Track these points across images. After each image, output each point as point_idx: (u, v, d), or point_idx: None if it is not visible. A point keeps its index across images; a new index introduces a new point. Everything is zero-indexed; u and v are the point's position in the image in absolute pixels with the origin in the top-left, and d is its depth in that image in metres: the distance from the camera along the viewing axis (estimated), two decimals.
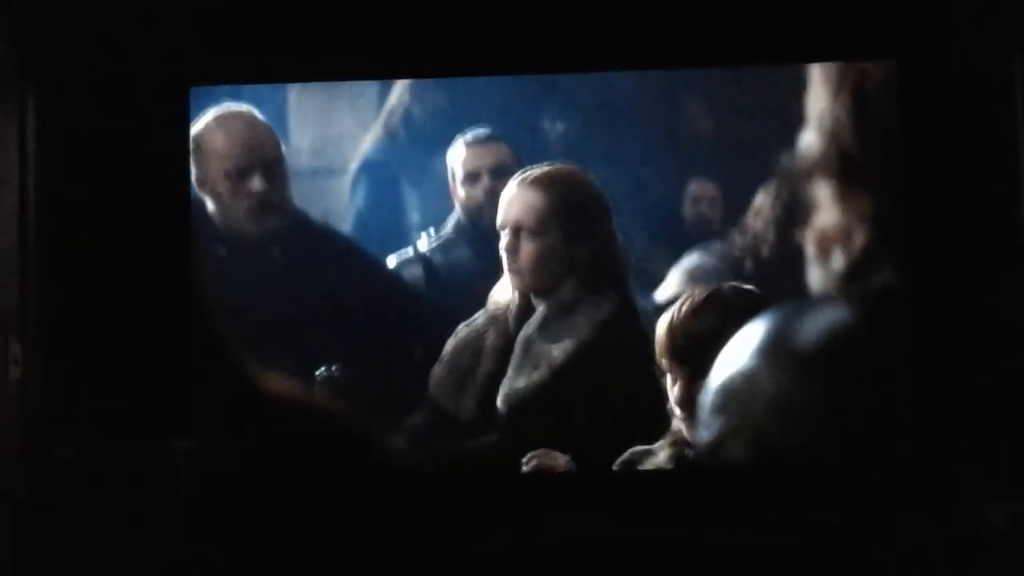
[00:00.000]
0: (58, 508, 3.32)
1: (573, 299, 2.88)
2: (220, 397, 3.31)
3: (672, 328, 2.98)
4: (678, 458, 3.05)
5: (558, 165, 2.94)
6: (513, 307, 2.89)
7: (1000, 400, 3.42)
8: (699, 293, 3.01)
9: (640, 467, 3.15)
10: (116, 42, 3.52)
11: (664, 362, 3.02)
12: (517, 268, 2.79)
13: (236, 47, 3.46)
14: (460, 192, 2.92)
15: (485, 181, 2.92)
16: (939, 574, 3.26)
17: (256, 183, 2.96)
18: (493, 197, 2.89)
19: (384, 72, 3.50)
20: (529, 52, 3.40)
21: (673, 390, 3.05)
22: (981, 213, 3.50)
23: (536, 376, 2.89)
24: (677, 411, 3.07)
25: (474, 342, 2.89)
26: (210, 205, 3.07)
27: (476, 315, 2.99)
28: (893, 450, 3.27)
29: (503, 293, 2.95)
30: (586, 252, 2.82)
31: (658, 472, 3.23)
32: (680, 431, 3.05)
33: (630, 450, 3.11)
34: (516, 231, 2.78)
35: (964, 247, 3.50)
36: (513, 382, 2.88)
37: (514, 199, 2.81)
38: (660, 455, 3.13)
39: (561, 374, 2.94)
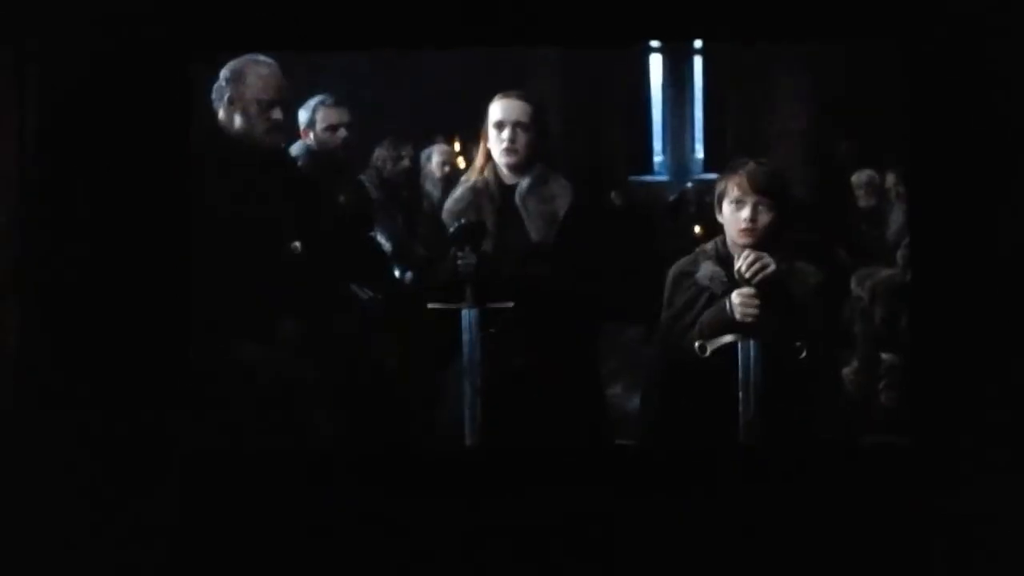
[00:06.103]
0: (52, 473, 3.38)
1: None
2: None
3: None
4: None
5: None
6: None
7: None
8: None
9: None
10: (114, 15, 3.54)
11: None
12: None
13: (235, 19, 3.60)
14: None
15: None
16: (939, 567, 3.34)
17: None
18: None
19: (383, 42, 3.73)
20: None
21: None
22: (985, 197, 3.43)
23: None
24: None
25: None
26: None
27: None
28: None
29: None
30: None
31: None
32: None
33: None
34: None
35: (968, 232, 3.43)
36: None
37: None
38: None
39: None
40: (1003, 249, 3.44)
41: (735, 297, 3.37)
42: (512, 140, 3.77)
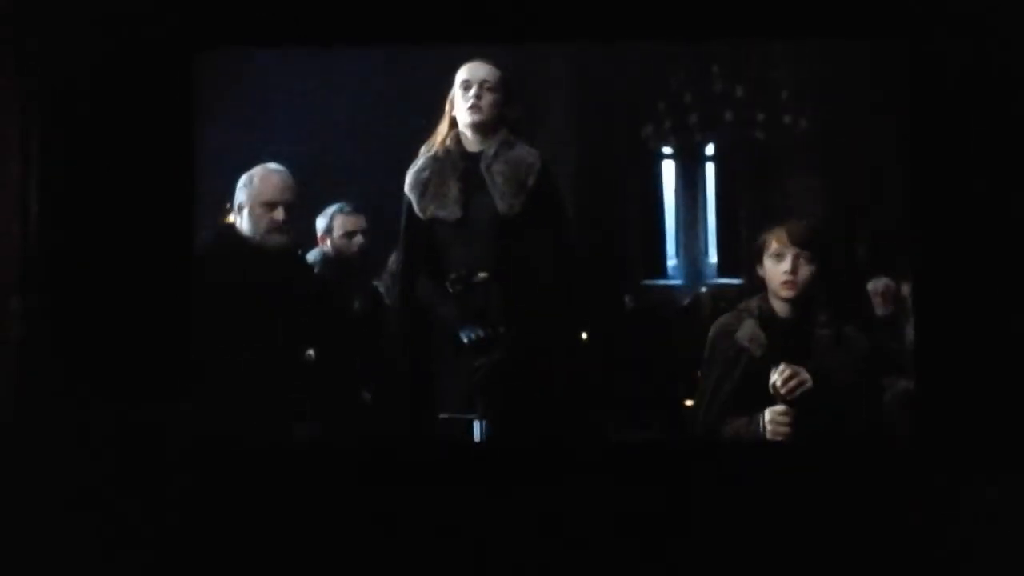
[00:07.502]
0: (53, 472, 3.42)
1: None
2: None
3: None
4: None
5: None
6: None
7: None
8: None
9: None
10: (115, 15, 3.62)
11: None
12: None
13: (237, 17, 3.67)
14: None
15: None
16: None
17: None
18: None
19: (384, 40, 3.80)
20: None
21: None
22: (992, 201, 3.47)
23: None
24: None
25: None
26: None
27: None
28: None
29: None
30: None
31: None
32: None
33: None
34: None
35: (974, 237, 3.50)
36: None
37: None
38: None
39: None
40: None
41: (767, 415, 3.34)
42: (478, 97, 3.72)
